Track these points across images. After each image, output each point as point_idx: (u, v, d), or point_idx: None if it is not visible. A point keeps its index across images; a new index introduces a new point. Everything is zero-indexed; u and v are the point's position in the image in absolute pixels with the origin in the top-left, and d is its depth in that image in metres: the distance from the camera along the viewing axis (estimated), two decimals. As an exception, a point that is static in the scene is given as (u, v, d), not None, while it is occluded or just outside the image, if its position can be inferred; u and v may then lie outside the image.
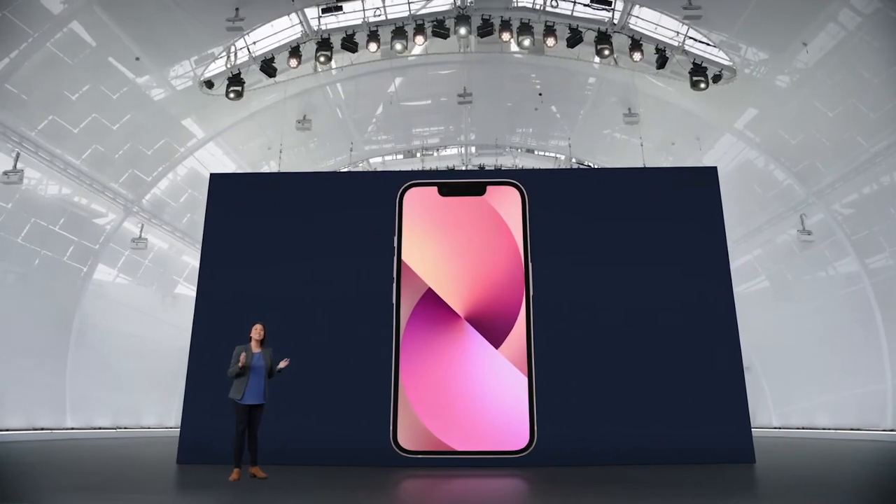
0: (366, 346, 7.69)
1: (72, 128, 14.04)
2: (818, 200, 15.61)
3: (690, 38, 14.92)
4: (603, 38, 14.28)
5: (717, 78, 14.96)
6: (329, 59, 14.64)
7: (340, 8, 14.46)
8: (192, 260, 18.94)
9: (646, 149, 17.46)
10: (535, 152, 22.05)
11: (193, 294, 8.45)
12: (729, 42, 14.77)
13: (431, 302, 7.71)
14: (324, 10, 14.44)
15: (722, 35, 14.62)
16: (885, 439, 13.15)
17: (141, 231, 16.86)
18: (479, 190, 8.17)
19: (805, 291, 16.93)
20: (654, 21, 14.80)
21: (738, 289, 9.51)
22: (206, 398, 7.38)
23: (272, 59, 15.17)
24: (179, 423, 7.95)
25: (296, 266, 8.29)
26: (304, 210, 8.60)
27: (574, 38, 14.35)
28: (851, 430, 14.69)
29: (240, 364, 5.85)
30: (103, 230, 16.17)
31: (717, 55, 15.13)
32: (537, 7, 14.92)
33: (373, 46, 14.45)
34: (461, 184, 8.28)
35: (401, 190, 8.20)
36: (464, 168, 21.70)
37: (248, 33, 14.65)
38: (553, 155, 22.10)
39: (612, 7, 14.36)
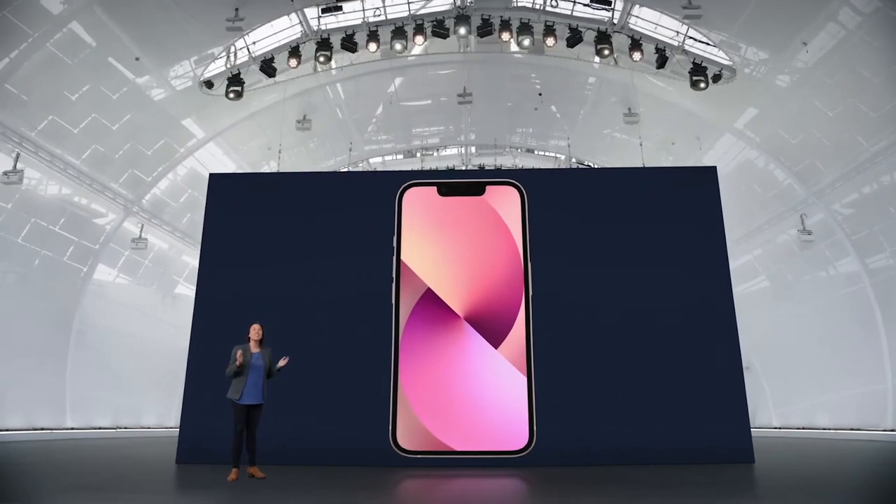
0: (365, 346, 7.68)
1: (72, 128, 14.05)
2: (818, 200, 15.60)
3: (690, 37, 14.91)
4: (603, 38, 14.27)
5: (716, 78, 14.96)
6: (329, 59, 14.65)
7: (340, 8, 14.46)
8: (191, 260, 18.93)
9: (646, 149, 17.44)
10: (535, 152, 22.04)
11: (193, 294, 8.46)
12: (729, 42, 14.76)
13: (431, 302, 7.71)
14: (323, 10, 14.44)
15: (722, 35, 14.61)
16: (885, 439, 13.15)
17: (141, 231, 16.87)
18: (478, 190, 8.18)
19: (805, 291, 16.92)
20: (654, 21, 14.79)
21: (737, 289, 9.51)
22: (205, 398, 7.38)
23: (272, 59, 15.18)
24: (179, 424, 7.95)
25: (295, 266, 8.28)
26: (303, 210, 8.60)
27: (574, 38, 14.35)
28: (851, 430, 14.68)
29: (237, 362, 5.84)
30: (103, 230, 16.17)
31: (716, 55, 15.12)
32: (537, 7, 14.91)
33: (372, 46, 14.45)
34: (460, 184, 8.28)
35: (400, 190, 8.21)
36: (463, 168, 21.70)
37: (247, 33, 14.65)
38: (553, 155, 22.09)
39: (612, 7, 14.35)
